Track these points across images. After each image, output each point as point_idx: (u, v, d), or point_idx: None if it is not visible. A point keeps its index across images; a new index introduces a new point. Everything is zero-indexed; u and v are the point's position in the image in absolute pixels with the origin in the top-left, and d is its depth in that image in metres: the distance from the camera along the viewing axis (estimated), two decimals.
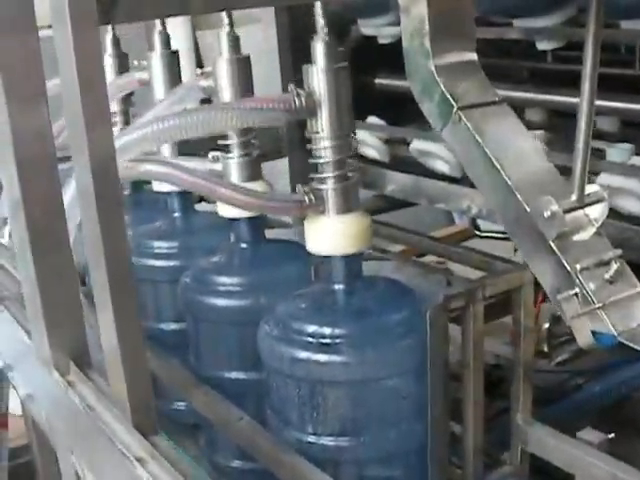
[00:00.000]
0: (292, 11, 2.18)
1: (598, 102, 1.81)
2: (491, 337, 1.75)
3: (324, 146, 1.28)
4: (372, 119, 2.17)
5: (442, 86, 1.13)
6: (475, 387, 1.40)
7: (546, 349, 2.08)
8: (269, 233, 1.62)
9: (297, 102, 1.25)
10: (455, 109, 1.12)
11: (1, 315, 1.33)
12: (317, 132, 1.28)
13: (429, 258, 2.07)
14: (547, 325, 2.03)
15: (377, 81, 2.18)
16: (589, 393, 1.92)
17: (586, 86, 1.03)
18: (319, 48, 1.26)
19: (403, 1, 1.13)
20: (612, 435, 1.38)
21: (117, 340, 0.96)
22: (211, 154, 1.55)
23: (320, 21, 1.25)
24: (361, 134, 2.12)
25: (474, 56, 1.16)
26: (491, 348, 1.81)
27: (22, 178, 1.05)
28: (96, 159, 0.92)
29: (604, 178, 1.66)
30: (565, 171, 1.11)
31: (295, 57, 2.16)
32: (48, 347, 1.11)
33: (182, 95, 1.54)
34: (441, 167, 2.00)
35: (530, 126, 2.06)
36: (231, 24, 1.46)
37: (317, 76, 1.26)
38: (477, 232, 2.81)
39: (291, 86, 1.26)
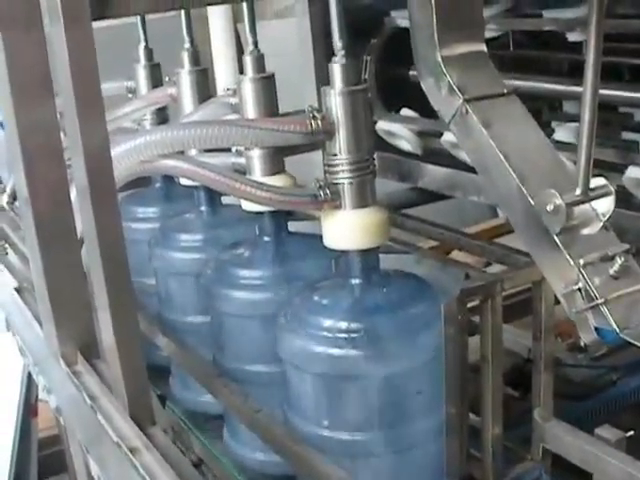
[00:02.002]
0: (326, 4, 2.17)
1: (635, 94, 1.79)
2: (526, 331, 1.73)
3: (342, 169, 1.27)
4: (405, 111, 2.16)
5: (449, 78, 1.12)
6: (494, 381, 1.37)
7: (582, 343, 2.05)
8: (296, 225, 1.62)
9: (313, 125, 1.25)
10: (462, 101, 1.11)
11: (20, 308, 1.35)
12: (335, 154, 1.27)
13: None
14: None
15: (411, 73, 2.15)
16: (623, 389, 1.89)
17: (589, 77, 1.01)
18: (336, 71, 1.25)
19: None
20: (631, 433, 1.35)
21: (114, 335, 0.98)
22: (235, 148, 1.55)
23: (338, 44, 1.24)
24: (394, 126, 2.11)
25: (483, 47, 1.15)
26: (526, 342, 1.78)
27: (29, 172, 1.07)
28: (91, 157, 0.93)
29: (633, 171, 1.63)
30: (597, 163, 1.09)
31: (329, 50, 2.15)
32: (56, 338, 1.13)
33: (209, 111, 1.56)
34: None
35: (567, 118, 2.06)
36: (255, 43, 1.46)
37: (334, 99, 1.25)
38: None
39: (308, 108, 1.26)
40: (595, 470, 1.31)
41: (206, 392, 1.65)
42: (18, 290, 1.40)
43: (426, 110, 2.15)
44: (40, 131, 1.07)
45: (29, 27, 1.03)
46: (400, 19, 2.11)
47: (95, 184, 0.94)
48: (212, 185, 1.35)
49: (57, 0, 0.89)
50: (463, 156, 2.01)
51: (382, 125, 2.15)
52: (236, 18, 3.11)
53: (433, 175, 2.13)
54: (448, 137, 1.98)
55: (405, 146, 2.16)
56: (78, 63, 0.91)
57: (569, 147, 1.56)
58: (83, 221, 0.99)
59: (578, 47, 1.92)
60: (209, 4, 1.06)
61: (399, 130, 2.13)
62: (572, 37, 1.79)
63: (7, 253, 1.70)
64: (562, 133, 1.99)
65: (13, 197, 1.89)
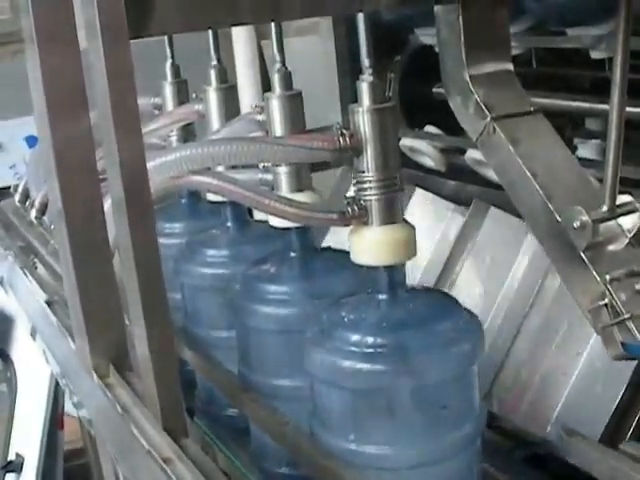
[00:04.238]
0: (351, 23, 2.19)
1: None
2: None
3: (370, 186, 1.28)
4: (429, 128, 2.18)
5: (477, 96, 1.13)
6: None
7: None
8: None
9: (341, 141, 1.27)
10: (489, 119, 1.12)
11: (51, 321, 1.37)
12: (362, 171, 1.28)
13: None
14: None
15: (435, 90, 2.17)
16: None
17: (616, 93, 1.03)
18: (364, 88, 1.25)
19: (438, 11, 1.14)
20: None
21: (148, 348, 0.99)
22: (262, 164, 1.57)
23: (365, 61, 1.24)
24: (417, 143, 2.13)
25: (510, 66, 1.16)
26: None
27: (63, 186, 1.09)
28: (127, 170, 0.95)
29: None
30: (621, 180, 1.10)
31: (353, 69, 2.18)
32: (89, 351, 1.15)
33: (237, 128, 1.58)
34: (496, 176, 1.99)
35: (590, 136, 2.07)
36: (283, 61, 1.48)
37: (362, 116, 1.26)
38: None
39: (336, 125, 1.27)
40: None
41: (232, 406, 1.67)
42: (49, 303, 1.42)
43: (449, 127, 2.19)
44: (75, 145, 1.09)
45: (65, 42, 1.04)
46: (424, 37, 2.13)
47: (131, 196, 0.96)
48: (242, 201, 1.37)
49: (95, 18, 0.91)
50: (487, 173, 2.03)
51: (405, 142, 2.17)
52: (260, 35, 3.14)
53: (455, 192, 2.14)
54: (472, 154, 2.00)
55: (428, 163, 2.17)
56: (116, 80, 0.93)
57: (593, 164, 1.57)
58: (118, 234, 1.01)
59: (601, 65, 1.94)
60: (241, 23, 1.08)
61: (422, 147, 2.15)
62: (595, 55, 1.81)
63: (37, 267, 1.73)
64: (585, 150, 2.00)
65: (41, 212, 1.92)
